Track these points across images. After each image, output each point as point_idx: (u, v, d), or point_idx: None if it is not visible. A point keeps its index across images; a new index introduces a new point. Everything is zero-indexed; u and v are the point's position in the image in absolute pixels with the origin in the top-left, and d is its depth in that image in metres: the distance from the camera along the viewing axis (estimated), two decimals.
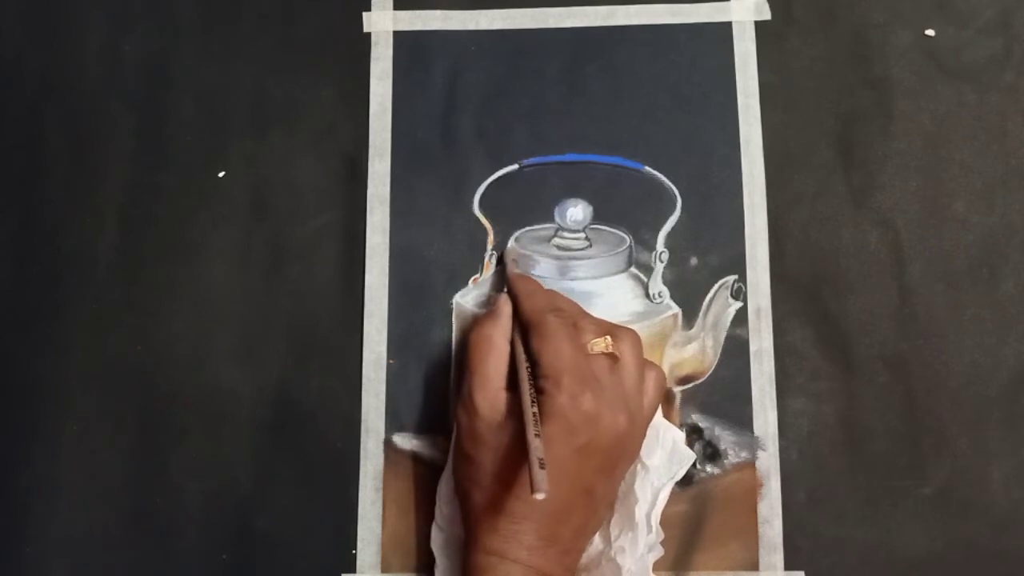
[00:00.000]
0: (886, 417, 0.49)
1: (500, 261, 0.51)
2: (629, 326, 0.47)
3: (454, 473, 0.46)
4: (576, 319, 0.45)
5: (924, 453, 0.49)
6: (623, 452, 0.44)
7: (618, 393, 0.43)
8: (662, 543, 0.46)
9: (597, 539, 0.46)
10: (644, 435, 0.46)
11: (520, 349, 0.45)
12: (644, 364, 0.45)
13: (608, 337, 0.44)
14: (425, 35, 0.54)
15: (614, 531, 0.46)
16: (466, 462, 0.44)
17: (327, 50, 0.54)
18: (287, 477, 0.50)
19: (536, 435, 0.40)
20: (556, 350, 0.43)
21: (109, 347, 0.51)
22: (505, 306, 0.47)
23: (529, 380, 0.43)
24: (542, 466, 0.39)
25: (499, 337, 0.45)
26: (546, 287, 0.49)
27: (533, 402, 0.42)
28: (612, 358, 0.44)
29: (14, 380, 0.51)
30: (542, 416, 0.41)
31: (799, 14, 0.53)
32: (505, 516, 0.42)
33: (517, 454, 0.42)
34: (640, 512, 0.46)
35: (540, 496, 0.38)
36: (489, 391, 0.44)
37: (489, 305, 0.48)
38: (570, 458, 0.42)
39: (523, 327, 0.46)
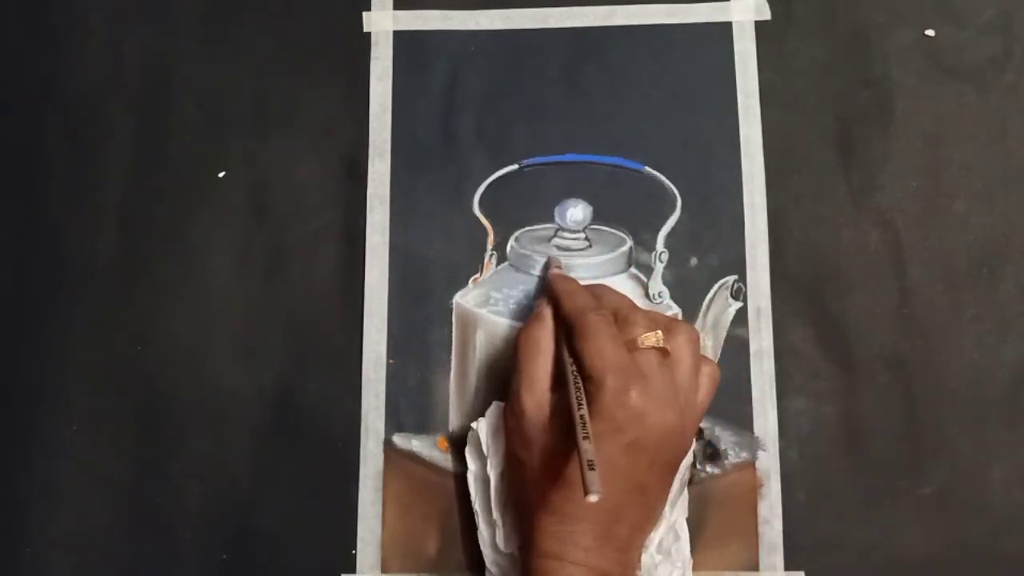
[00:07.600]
0: (886, 417, 0.49)
1: (546, 267, 0.50)
2: None
3: (508, 477, 0.46)
4: (627, 313, 0.45)
5: (924, 453, 0.49)
6: (673, 448, 0.44)
7: (668, 388, 0.43)
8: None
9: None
10: (695, 430, 0.46)
11: (565, 351, 0.44)
12: (699, 359, 0.45)
13: (659, 332, 0.44)
14: (425, 35, 0.54)
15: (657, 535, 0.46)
16: (518, 465, 0.44)
17: (327, 50, 0.54)
18: (287, 477, 0.50)
19: (585, 437, 0.39)
20: (597, 349, 0.43)
21: (109, 347, 0.51)
22: (546, 308, 0.46)
23: (575, 381, 0.42)
24: (592, 467, 0.38)
25: (544, 339, 0.45)
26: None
27: (580, 404, 0.41)
28: (663, 353, 0.43)
29: (14, 380, 0.51)
30: (589, 416, 0.41)
31: (799, 14, 0.53)
32: (559, 517, 0.42)
33: (566, 455, 0.42)
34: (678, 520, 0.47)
35: (593, 498, 0.37)
36: (535, 392, 0.44)
37: (535, 308, 0.47)
38: (619, 456, 0.41)
39: (566, 328, 0.45)
